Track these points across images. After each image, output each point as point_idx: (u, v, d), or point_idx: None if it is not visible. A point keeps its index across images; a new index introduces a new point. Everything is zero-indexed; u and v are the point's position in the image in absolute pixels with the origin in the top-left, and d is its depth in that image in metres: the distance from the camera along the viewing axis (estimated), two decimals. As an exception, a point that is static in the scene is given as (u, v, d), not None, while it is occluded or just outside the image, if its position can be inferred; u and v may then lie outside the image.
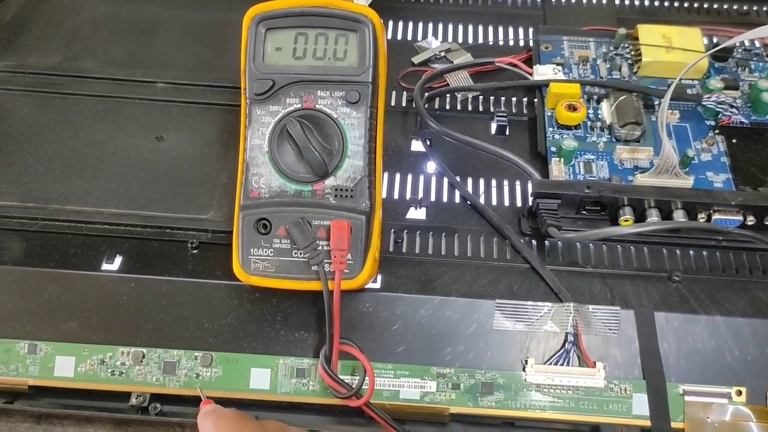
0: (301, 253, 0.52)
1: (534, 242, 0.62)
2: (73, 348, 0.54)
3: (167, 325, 0.54)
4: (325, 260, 0.54)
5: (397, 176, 0.61)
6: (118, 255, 0.57)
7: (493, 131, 0.64)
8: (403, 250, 0.62)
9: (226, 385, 0.53)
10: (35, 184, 0.59)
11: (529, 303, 0.58)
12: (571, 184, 0.61)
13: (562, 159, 0.59)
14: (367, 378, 0.54)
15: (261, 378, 0.54)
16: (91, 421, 0.56)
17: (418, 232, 0.64)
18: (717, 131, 0.61)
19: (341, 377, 0.54)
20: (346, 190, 0.54)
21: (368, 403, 0.55)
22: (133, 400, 0.53)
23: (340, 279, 0.53)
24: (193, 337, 0.54)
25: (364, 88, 0.49)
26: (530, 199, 0.61)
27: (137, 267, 0.57)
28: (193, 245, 0.58)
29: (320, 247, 0.54)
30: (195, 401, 0.57)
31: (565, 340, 0.57)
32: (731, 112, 0.60)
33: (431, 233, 0.63)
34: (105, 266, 0.57)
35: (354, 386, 0.54)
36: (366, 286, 0.59)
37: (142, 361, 0.56)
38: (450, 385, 0.57)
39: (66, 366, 0.55)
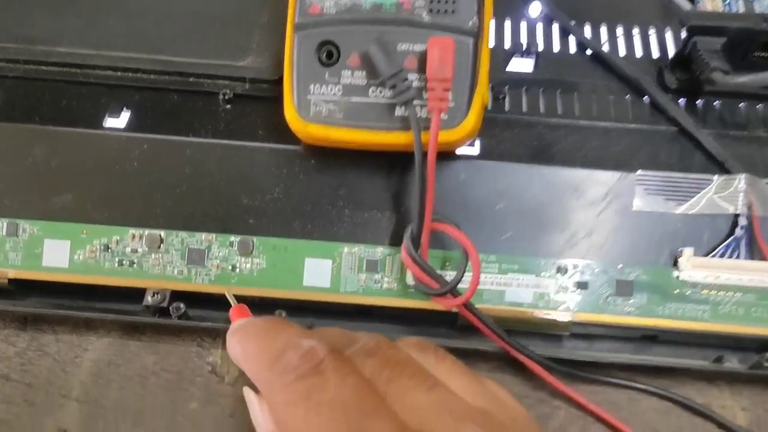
0: (381, 91, 0.35)
1: (682, 100, 0.45)
2: (67, 229, 0.42)
3: (192, 201, 0.43)
4: (416, 100, 0.37)
5: (492, 22, 0.44)
6: (125, 108, 0.43)
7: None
8: (506, 109, 0.46)
9: (270, 281, 0.42)
10: (17, 18, 0.43)
11: (682, 175, 0.41)
12: (743, 16, 0.43)
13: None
14: (469, 268, 0.38)
15: (318, 272, 0.42)
16: (91, 326, 0.41)
17: (524, 87, 0.47)
18: None
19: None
20: (446, 2, 0.37)
21: (468, 304, 0.39)
22: (149, 299, 0.42)
23: (438, 125, 0.36)
24: (228, 217, 0.42)
25: None
26: (680, 42, 0.45)
27: (151, 124, 0.45)
28: (226, 97, 0.43)
29: (410, 81, 0.37)
30: (229, 303, 0.42)
31: (734, 225, 0.41)
32: None
33: (542, 89, 0.47)
34: (109, 122, 0.45)
35: (450, 281, 0.38)
36: (460, 151, 0.43)
37: (159, 248, 0.41)
38: (573, 284, 0.41)
39: (58, 253, 0.43)
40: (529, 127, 0.46)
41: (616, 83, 0.48)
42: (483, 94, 0.40)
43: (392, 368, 0.28)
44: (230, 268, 0.41)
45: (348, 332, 0.32)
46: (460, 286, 0.39)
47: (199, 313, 0.42)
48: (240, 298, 0.37)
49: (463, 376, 0.32)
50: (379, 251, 0.42)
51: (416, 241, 0.39)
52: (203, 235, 0.41)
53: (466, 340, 0.43)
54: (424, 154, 0.37)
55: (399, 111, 0.37)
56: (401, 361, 0.29)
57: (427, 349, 0.31)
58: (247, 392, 0.33)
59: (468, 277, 0.39)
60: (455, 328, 0.44)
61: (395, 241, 0.43)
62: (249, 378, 0.30)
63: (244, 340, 0.30)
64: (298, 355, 0.27)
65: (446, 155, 0.42)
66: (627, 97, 0.47)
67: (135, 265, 0.41)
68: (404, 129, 0.39)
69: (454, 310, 0.42)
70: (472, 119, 0.39)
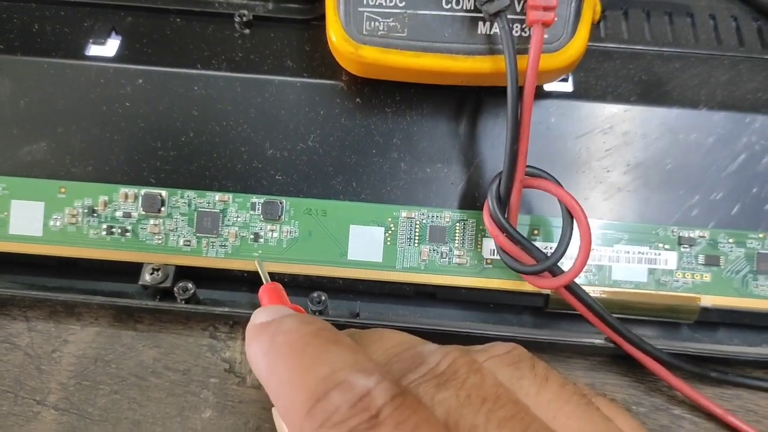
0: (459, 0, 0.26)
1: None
2: (40, 187, 0.34)
3: (202, 152, 0.34)
4: (509, 11, 0.27)
5: None
6: (113, 33, 0.32)
7: None
8: (602, 35, 0.35)
9: (305, 255, 0.34)
10: None
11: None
12: None
13: None
14: (577, 238, 0.28)
15: (367, 243, 0.34)
16: (73, 312, 0.33)
17: (623, 9, 0.37)
18: None
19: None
20: None
21: (572, 286, 0.29)
22: (147, 277, 0.34)
23: (541, 45, 0.26)
24: (248, 172, 0.34)
25: None
26: None
27: (147, 54, 0.36)
28: (244, 20, 0.33)
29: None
30: (252, 281, 0.33)
31: None
32: None
33: (648, 11, 0.36)
34: (93, 50, 0.36)
35: (551, 255, 0.28)
36: (549, 87, 0.33)
37: (160, 212, 0.32)
38: (701, 258, 0.31)
39: (29, 218, 0.34)
40: (633, 59, 0.36)
41: (740, 7, 0.37)
42: (594, 3, 0.29)
43: (475, 408, 0.19)
44: (252, 237, 0.31)
45: (411, 341, 0.24)
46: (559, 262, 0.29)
47: (211, 295, 0.35)
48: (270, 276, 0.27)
49: (576, 409, 0.22)
50: (447, 216, 0.33)
51: (503, 202, 0.29)
52: (216, 196, 0.31)
53: (556, 329, 0.33)
54: (520, 86, 0.27)
55: (483, 27, 0.27)
56: (488, 395, 0.19)
57: (521, 366, 0.22)
58: (279, 423, 0.24)
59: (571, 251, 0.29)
60: (541, 314, 0.34)
61: (467, 203, 0.33)
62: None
63: (272, 354, 0.22)
64: (348, 400, 0.19)
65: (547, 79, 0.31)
66: (756, 24, 0.37)
67: (128, 234, 0.32)
68: (489, 52, 0.29)
69: (548, 292, 0.32)
70: (581, 39, 0.29)
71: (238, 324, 0.35)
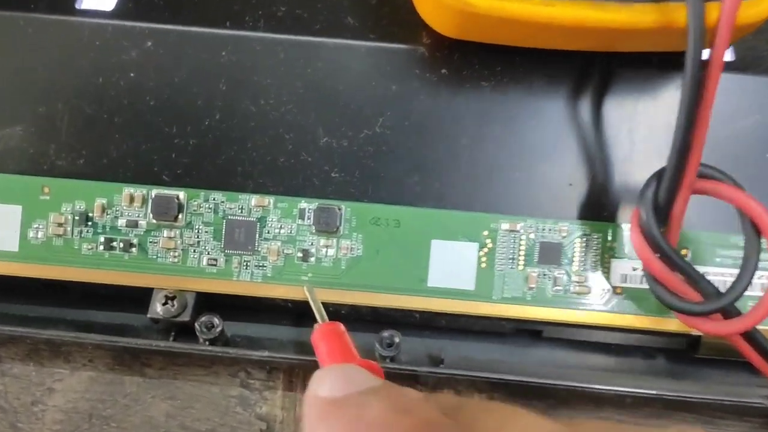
0: None
1: None
2: (17, 186, 0.26)
3: (231, 140, 0.26)
4: None
5: None
6: None
7: None
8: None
9: (371, 280, 0.26)
10: None
11: None
12: None
13: None
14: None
15: (454, 264, 0.26)
16: (62, 351, 0.29)
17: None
18: None
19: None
20: None
21: (753, 332, 0.20)
22: (158, 308, 0.26)
23: None
24: (295, 168, 0.26)
25: None
26: None
27: (158, 6, 0.28)
28: None
29: None
30: (298, 312, 0.25)
31: None
32: None
33: None
34: (86, 2, 0.28)
35: (728, 291, 0.20)
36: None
37: (176, 219, 0.25)
38: None
39: (3, 227, 0.26)
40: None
41: None
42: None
43: None
44: (300, 255, 0.23)
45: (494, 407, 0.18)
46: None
47: (243, 331, 0.27)
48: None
49: None
50: (563, 229, 0.25)
51: (662, 213, 0.20)
52: (252, 199, 0.23)
53: (706, 381, 0.25)
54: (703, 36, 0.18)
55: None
56: None
57: None
58: None
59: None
60: (683, 359, 0.25)
61: (590, 212, 0.26)
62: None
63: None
64: None
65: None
66: None
67: (134, 250, 0.24)
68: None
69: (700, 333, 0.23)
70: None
71: (277, 370, 0.26)
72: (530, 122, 0.26)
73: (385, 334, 0.24)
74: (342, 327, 0.21)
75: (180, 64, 0.26)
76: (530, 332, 0.26)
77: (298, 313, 0.26)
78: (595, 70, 0.25)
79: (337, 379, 0.17)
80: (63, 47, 0.26)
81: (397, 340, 0.24)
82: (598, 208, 0.25)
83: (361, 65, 0.26)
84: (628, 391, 0.25)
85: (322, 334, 0.21)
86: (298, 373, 0.26)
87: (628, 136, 0.26)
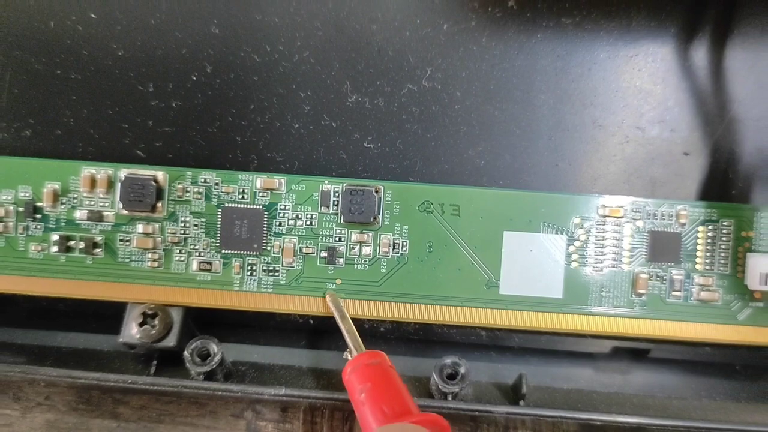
0: None
1: None
2: None
3: (227, 99, 0.20)
4: None
5: None
6: None
7: None
8: None
9: (420, 287, 0.19)
10: None
11: None
12: None
13: None
14: None
15: (534, 263, 0.19)
16: (10, 388, 0.21)
17: None
18: None
19: None
20: None
21: None
22: (133, 330, 0.20)
23: None
24: (314, 137, 0.20)
25: None
26: None
27: None
28: None
29: None
30: (319, 329, 0.20)
31: None
32: None
33: None
34: None
35: None
36: None
37: (155, 209, 0.19)
38: None
39: None
40: None
41: None
42: None
43: None
44: (324, 255, 0.16)
45: None
46: None
47: (248, 355, 0.21)
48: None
49: None
50: (681, 213, 0.18)
51: None
52: (257, 179, 0.16)
53: None
54: None
55: None
56: None
57: None
58: None
59: None
60: None
61: (715, 190, 0.19)
62: None
63: None
64: None
65: None
66: None
67: (98, 251, 0.17)
68: None
69: None
70: None
71: (295, 408, 0.19)
72: (628, 71, 0.19)
73: (447, 361, 0.17)
74: (387, 359, 0.15)
75: (157, -1, 0.19)
76: (632, 352, 0.20)
77: (321, 331, 0.20)
78: (710, 7, 0.19)
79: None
80: None
81: (462, 370, 0.18)
82: (726, 184, 0.19)
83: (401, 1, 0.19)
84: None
85: (363, 371, 0.14)
86: (322, 411, 0.20)
87: (758, 89, 0.19)
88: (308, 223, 0.19)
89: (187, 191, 0.19)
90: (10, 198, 0.19)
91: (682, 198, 0.19)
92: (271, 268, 0.19)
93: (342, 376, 0.16)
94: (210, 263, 0.19)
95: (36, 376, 0.20)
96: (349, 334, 0.17)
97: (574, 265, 0.19)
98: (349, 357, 0.16)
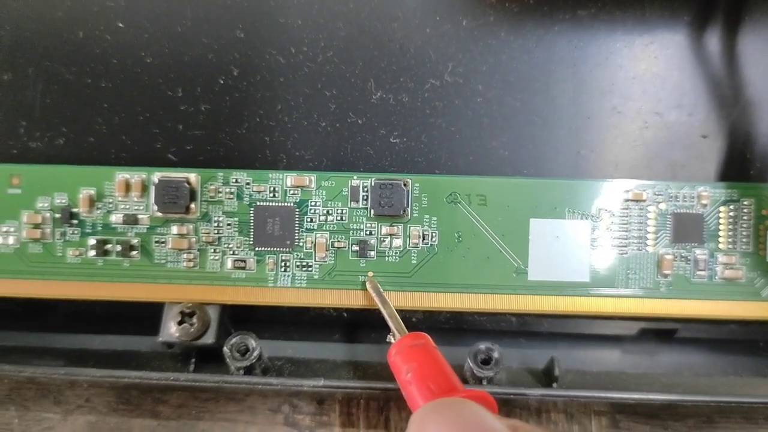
0: None
1: None
2: None
3: (254, 101, 0.20)
4: None
5: None
6: None
7: None
8: None
9: (450, 276, 0.20)
10: None
11: None
12: None
13: None
14: None
15: (561, 249, 0.20)
16: (51, 392, 0.21)
17: None
18: None
19: None
20: None
21: None
22: (172, 328, 0.20)
23: None
24: (340, 134, 0.20)
25: None
26: None
27: None
28: None
29: None
30: (354, 322, 0.21)
31: None
32: None
33: None
34: None
35: None
36: None
37: (188, 211, 0.20)
38: None
39: None
40: None
41: None
42: None
43: None
44: (356, 249, 0.17)
45: None
46: None
47: (283, 350, 0.21)
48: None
49: None
50: (703, 195, 0.19)
51: None
52: (288, 178, 0.16)
53: None
54: None
55: None
56: None
57: None
58: None
59: None
60: None
61: (734, 171, 0.19)
62: None
63: None
64: None
65: None
66: None
67: (135, 254, 0.19)
68: None
69: None
70: None
71: (331, 400, 0.20)
72: (645, 58, 0.20)
73: (481, 347, 0.18)
74: (430, 340, 0.16)
75: (183, 7, 0.20)
76: (659, 332, 0.20)
77: (355, 324, 0.20)
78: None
79: (449, 421, 0.12)
80: (30, -6, 0.20)
81: (496, 355, 0.18)
82: (744, 164, 0.19)
83: (422, -5, 0.20)
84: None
85: (408, 352, 0.15)
86: (358, 402, 0.20)
87: (771, 72, 0.20)
88: (339, 218, 0.19)
89: (220, 192, 0.20)
90: (46, 205, 0.20)
91: (703, 180, 0.20)
92: (304, 264, 0.20)
93: (387, 358, 0.17)
94: (244, 261, 0.20)
95: (79, 377, 0.20)
96: (391, 318, 0.17)
97: (599, 249, 0.19)
98: (393, 340, 0.17)
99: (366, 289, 0.19)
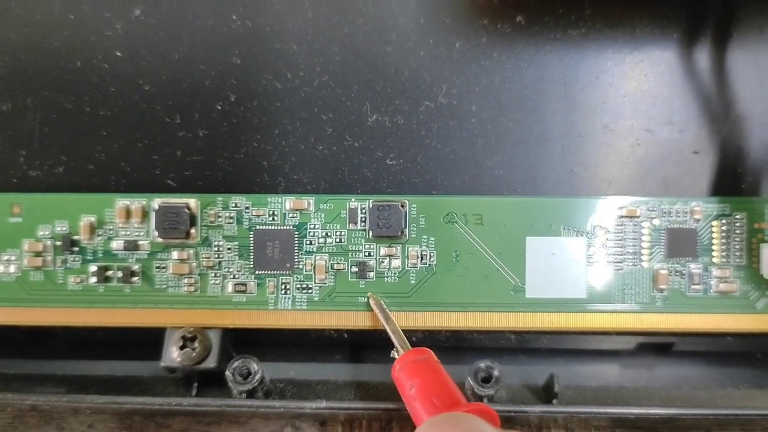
0: None
1: None
2: None
3: (252, 125, 0.21)
4: None
5: None
6: None
7: None
8: None
9: (448, 295, 0.20)
10: None
11: None
12: None
13: None
14: None
15: (557, 265, 0.20)
16: (53, 417, 0.21)
17: None
18: None
19: None
20: None
21: None
22: (173, 353, 0.20)
23: None
24: (337, 157, 0.21)
25: None
26: None
27: None
28: None
29: None
30: (357, 343, 0.21)
31: None
32: None
33: None
34: None
35: None
36: None
37: (188, 236, 0.20)
38: None
39: None
40: None
41: None
42: None
43: None
44: (355, 270, 0.18)
45: None
46: None
47: (284, 372, 0.21)
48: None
49: None
50: (695, 210, 0.20)
51: None
52: (287, 201, 0.16)
53: None
54: None
55: None
56: None
57: None
58: None
59: None
60: None
61: (725, 186, 0.20)
62: None
63: None
64: None
65: None
66: None
67: (136, 280, 0.18)
68: None
69: None
70: None
71: (333, 421, 0.20)
72: (635, 76, 0.20)
73: (481, 365, 0.18)
74: (433, 355, 0.16)
75: (179, 34, 0.21)
76: (656, 346, 0.20)
77: (356, 345, 0.21)
78: (710, 7, 0.20)
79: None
80: (28, 24, 0.20)
81: (496, 373, 0.18)
82: (736, 179, 0.20)
83: (414, 18, 0.20)
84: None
85: (411, 368, 0.15)
86: (360, 423, 0.20)
87: (760, 87, 0.20)
88: (338, 240, 0.20)
89: (219, 216, 0.20)
90: (47, 233, 0.20)
91: (695, 195, 0.20)
92: (304, 286, 0.20)
93: (391, 373, 0.17)
94: (245, 284, 0.20)
95: (82, 404, 0.20)
96: (395, 334, 0.17)
97: (595, 265, 0.19)
98: (396, 356, 0.17)
99: (368, 309, 0.19)
